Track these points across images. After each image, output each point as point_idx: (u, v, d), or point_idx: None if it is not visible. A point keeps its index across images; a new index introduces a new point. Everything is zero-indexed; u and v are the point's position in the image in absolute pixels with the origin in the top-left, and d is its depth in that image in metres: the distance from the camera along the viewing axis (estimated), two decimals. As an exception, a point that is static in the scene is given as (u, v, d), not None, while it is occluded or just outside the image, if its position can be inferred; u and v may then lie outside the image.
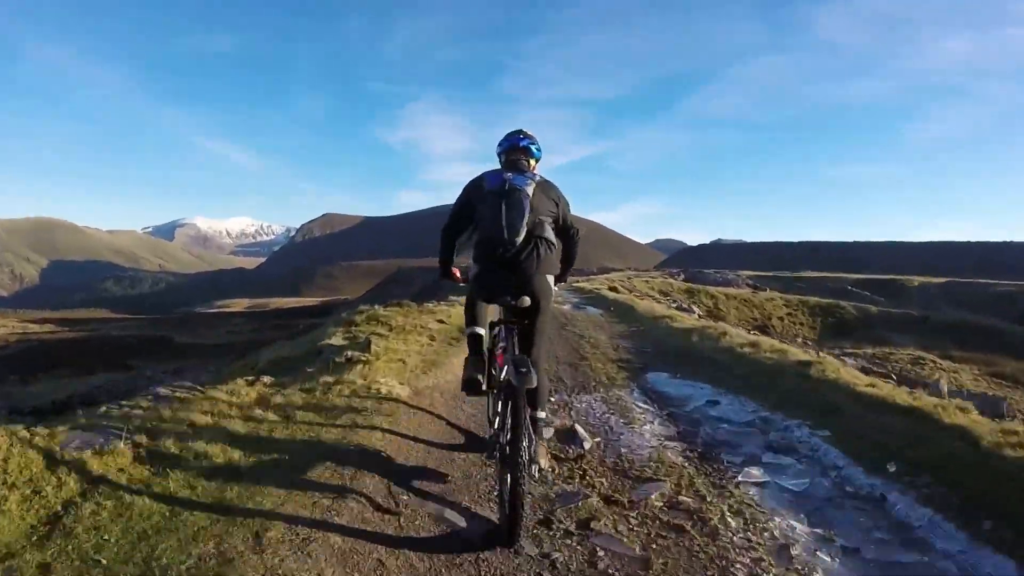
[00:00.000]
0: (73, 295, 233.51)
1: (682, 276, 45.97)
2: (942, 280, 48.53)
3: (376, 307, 10.43)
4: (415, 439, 4.09)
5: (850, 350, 18.27)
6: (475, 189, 3.25)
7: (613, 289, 22.65)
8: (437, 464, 3.70)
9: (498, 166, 3.44)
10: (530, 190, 3.10)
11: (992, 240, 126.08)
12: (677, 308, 18.22)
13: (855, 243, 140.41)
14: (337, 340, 7.45)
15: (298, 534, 2.73)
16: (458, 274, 3.63)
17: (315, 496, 3.10)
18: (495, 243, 3.07)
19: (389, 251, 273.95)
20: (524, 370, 2.75)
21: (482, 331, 3.45)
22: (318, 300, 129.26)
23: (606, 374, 6.60)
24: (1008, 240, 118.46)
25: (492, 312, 3.52)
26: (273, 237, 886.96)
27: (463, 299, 3.89)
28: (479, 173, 3.33)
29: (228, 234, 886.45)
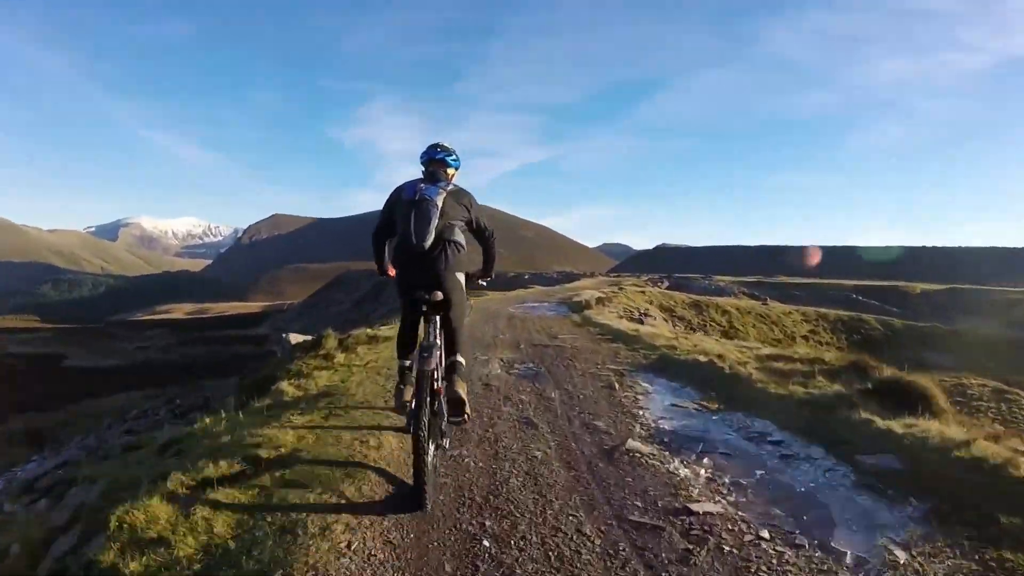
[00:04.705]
0: (9, 299, 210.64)
1: (666, 284, 40.51)
2: (945, 287, 44.81)
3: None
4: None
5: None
6: (395, 198, 3.59)
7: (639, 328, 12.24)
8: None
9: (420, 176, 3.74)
10: (440, 199, 3.41)
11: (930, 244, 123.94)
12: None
13: (811, 247, 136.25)
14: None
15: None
16: (392, 272, 3.88)
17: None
18: (406, 246, 3.43)
19: (340, 253, 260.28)
20: (426, 355, 3.22)
21: (409, 362, 3.72)
22: (260, 306, 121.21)
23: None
24: (957, 245, 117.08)
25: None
26: (220, 238, 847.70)
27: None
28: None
29: (174, 235, 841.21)
